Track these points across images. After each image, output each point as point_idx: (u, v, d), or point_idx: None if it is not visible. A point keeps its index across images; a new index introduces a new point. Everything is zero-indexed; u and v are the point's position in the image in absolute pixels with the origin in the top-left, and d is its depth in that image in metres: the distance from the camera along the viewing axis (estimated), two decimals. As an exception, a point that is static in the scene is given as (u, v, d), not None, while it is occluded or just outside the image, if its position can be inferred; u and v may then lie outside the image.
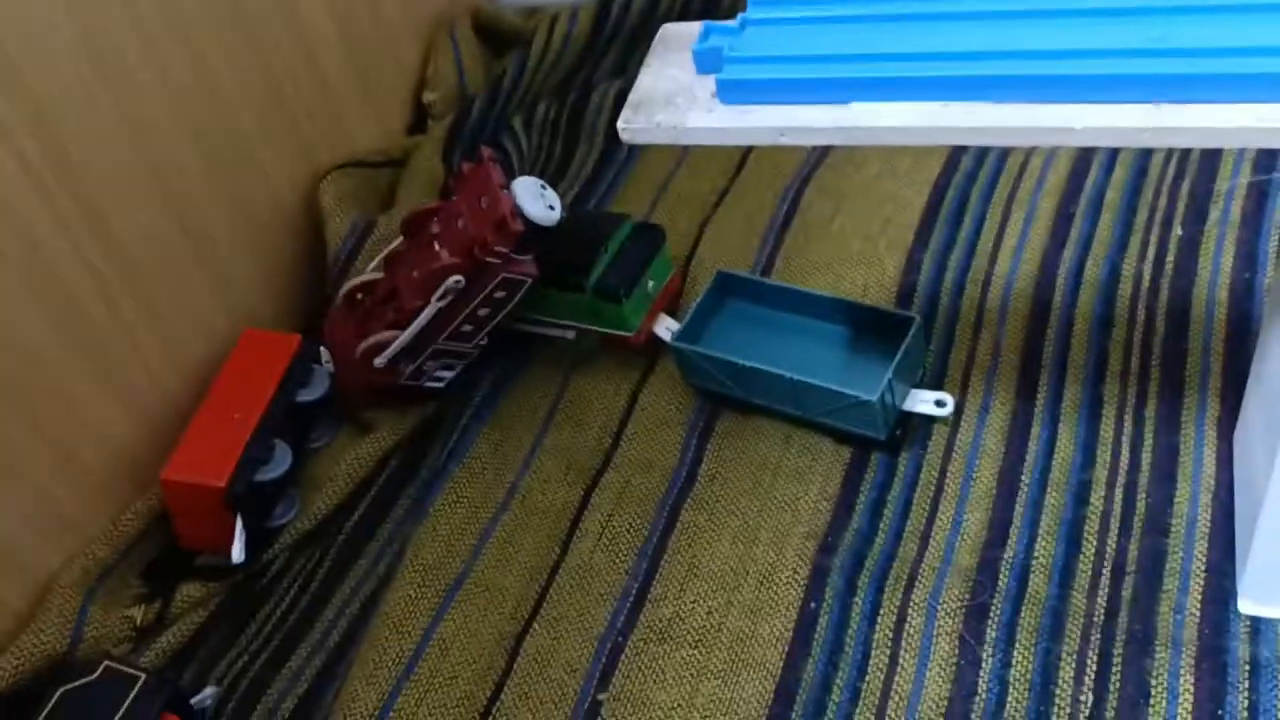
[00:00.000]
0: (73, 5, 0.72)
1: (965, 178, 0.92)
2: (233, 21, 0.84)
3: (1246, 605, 0.64)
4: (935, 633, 0.66)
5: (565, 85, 1.11)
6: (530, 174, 0.85)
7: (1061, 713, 0.62)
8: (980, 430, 0.76)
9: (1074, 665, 0.64)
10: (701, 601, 0.71)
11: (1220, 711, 0.61)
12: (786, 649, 0.68)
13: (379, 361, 0.81)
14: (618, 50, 1.14)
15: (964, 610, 0.67)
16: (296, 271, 0.94)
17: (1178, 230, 0.84)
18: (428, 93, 1.06)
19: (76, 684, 0.67)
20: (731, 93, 0.55)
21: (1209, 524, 0.68)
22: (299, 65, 0.92)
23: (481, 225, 0.74)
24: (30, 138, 0.69)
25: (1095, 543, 0.69)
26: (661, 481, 0.78)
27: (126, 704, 0.66)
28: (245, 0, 0.85)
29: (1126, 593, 0.66)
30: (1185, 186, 0.87)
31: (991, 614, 0.67)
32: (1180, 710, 0.61)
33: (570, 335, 0.85)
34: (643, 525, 0.76)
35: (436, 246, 0.77)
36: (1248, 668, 0.62)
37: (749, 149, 1.00)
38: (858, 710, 0.65)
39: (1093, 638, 0.65)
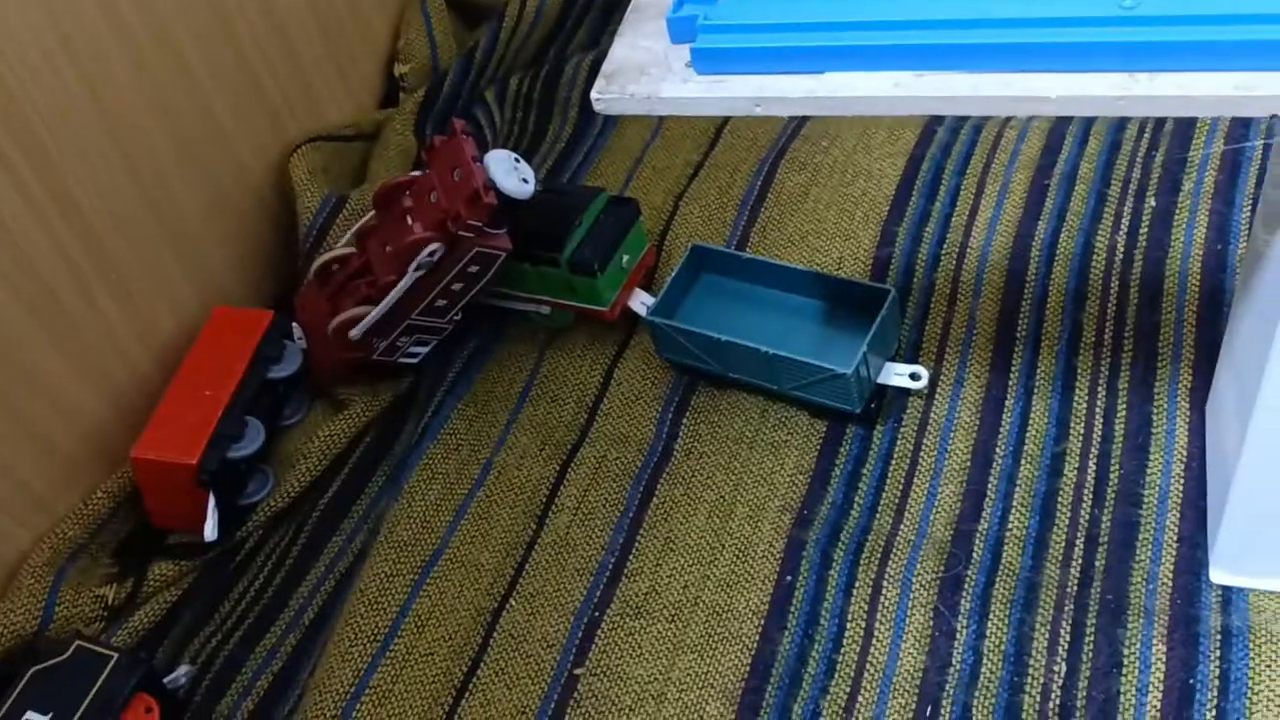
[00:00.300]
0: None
1: (940, 150, 0.92)
2: (200, -5, 0.83)
3: (1218, 575, 0.64)
4: (910, 605, 0.67)
5: (538, 57, 1.11)
6: (504, 147, 0.85)
7: (1035, 683, 0.63)
8: (955, 403, 0.76)
9: (1048, 635, 0.64)
10: (678, 576, 0.71)
11: (1192, 680, 0.61)
12: (762, 622, 0.68)
13: (353, 335, 0.80)
14: (591, 21, 1.13)
15: (939, 582, 0.67)
16: (268, 248, 0.93)
17: (1151, 201, 0.84)
18: (399, 65, 1.04)
19: (48, 664, 0.67)
20: (706, 62, 0.54)
21: (1181, 494, 0.68)
22: (268, 39, 0.90)
23: (454, 199, 0.74)
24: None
25: (1069, 514, 0.69)
26: (637, 456, 0.78)
27: (99, 683, 0.66)
28: (212, -28, 0.84)
29: (1099, 563, 0.67)
30: (1159, 157, 0.87)
31: (966, 585, 0.67)
32: (1152, 679, 0.62)
33: (545, 310, 0.85)
34: (619, 500, 0.76)
35: (409, 220, 0.76)
36: (1219, 637, 0.62)
37: (724, 122, 0.99)
38: (833, 682, 0.65)
39: (1066, 608, 0.65)
